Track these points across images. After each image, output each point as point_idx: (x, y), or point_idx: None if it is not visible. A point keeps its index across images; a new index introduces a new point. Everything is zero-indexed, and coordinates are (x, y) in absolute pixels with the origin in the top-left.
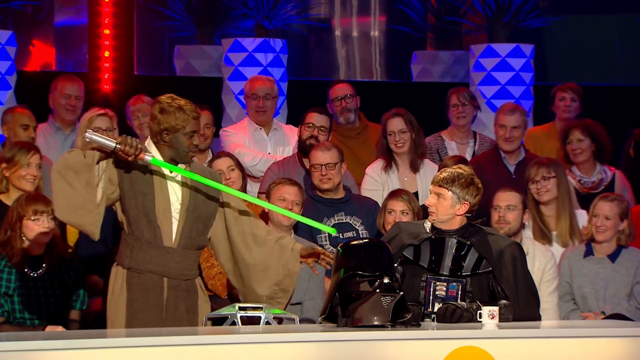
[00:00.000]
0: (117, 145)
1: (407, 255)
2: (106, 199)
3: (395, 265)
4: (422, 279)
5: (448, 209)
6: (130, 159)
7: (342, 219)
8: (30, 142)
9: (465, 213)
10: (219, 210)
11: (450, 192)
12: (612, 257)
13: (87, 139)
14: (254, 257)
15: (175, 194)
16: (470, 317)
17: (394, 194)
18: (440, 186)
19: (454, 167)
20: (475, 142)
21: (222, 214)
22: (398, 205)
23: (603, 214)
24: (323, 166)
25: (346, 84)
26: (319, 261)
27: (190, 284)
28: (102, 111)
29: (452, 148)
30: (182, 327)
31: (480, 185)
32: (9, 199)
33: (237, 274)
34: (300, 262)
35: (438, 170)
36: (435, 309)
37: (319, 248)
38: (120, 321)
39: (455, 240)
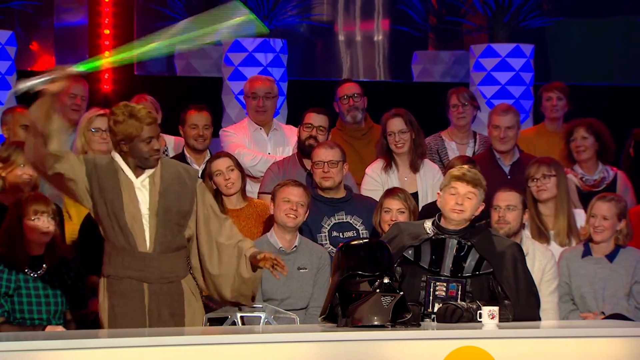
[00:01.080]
0: (46, 77)
1: (407, 256)
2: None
3: (395, 265)
4: (422, 279)
5: (474, 209)
6: (60, 79)
7: (343, 219)
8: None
9: (479, 214)
10: (193, 210)
11: (479, 194)
12: (610, 257)
13: (19, 91)
14: (214, 266)
15: (142, 199)
16: (470, 317)
17: (390, 193)
18: (475, 186)
19: (468, 167)
20: (475, 142)
21: (195, 215)
22: (394, 204)
23: (601, 214)
24: (325, 163)
25: (354, 83)
26: (271, 268)
27: (174, 286)
28: (101, 111)
29: (452, 148)
30: (181, 327)
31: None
32: (6, 199)
33: (202, 275)
34: (260, 267)
35: (444, 171)
36: (436, 309)
37: (267, 253)
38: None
39: (456, 241)
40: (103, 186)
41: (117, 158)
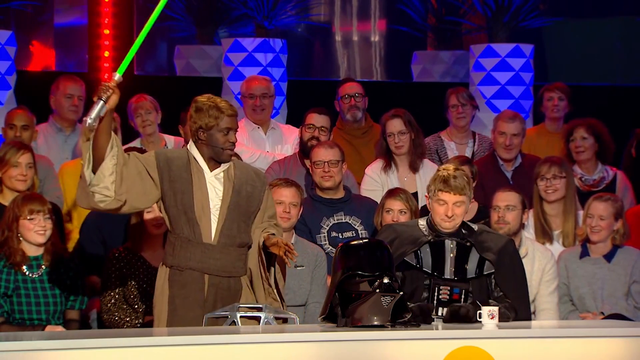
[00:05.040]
0: (102, 100)
1: (408, 261)
2: (148, 199)
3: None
4: (425, 282)
5: (465, 213)
6: (112, 94)
7: (342, 219)
8: (21, 142)
9: (475, 213)
10: (259, 211)
11: (467, 197)
12: (608, 257)
13: (89, 125)
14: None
15: (215, 190)
16: (473, 315)
17: (392, 193)
18: (462, 194)
19: (451, 168)
20: (474, 142)
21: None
22: (396, 205)
23: (597, 214)
24: (326, 163)
25: (356, 82)
26: (283, 255)
27: (234, 281)
28: None
29: (452, 148)
30: (182, 327)
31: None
32: (4, 199)
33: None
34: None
35: None
36: (439, 313)
37: (280, 239)
38: (163, 318)
39: (455, 243)
40: (174, 177)
41: (193, 149)
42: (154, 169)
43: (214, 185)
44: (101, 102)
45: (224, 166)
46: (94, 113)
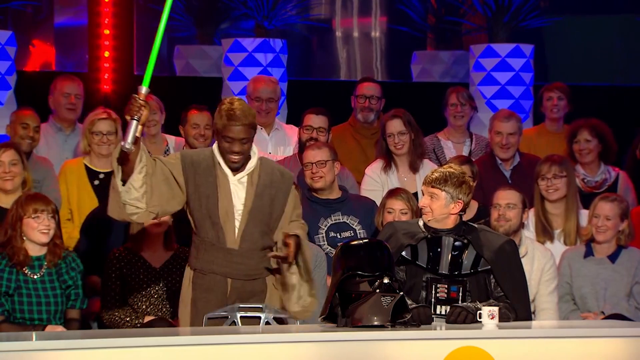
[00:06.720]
0: (135, 119)
1: (404, 256)
2: (177, 203)
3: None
4: (423, 279)
5: (442, 209)
6: (144, 110)
7: (339, 219)
8: (10, 142)
9: (459, 212)
10: (283, 214)
11: (443, 192)
12: (612, 257)
13: (127, 150)
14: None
15: (238, 196)
16: (472, 318)
17: (393, 193)
18: (433, 187)
19: (445, 166)
20: (471, 141)
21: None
22: (397, 205)
23: (603, 215)
24: (313, 164)
25: (376, 84)
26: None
27: (258, 283)
28: (103, 115)
29: (449, 147)
30: (182, 328)
31: (472, 184)
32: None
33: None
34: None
35: None
36: (438, 311)
37: (291, 248)
38: (186, 320)
39: (452, 239)
40: (199, 181)
41: (216, 152)
42: (180, 173)
43: (237, 189)
44: (134, 121)
45: (247, 169)
46: (130, 136)
